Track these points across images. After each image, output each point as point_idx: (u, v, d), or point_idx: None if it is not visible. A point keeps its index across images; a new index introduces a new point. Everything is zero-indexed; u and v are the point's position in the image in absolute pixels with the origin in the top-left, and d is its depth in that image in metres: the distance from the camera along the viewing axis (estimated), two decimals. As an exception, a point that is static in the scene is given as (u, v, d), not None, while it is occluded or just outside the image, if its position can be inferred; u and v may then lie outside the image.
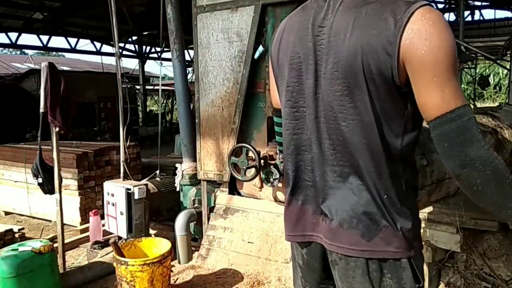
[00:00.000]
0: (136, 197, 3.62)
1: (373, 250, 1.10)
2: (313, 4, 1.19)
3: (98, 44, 14.18)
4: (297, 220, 1.25)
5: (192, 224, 3.88)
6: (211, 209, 3.87)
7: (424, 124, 1.09)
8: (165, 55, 16.11)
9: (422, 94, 1.01)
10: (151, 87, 19.24)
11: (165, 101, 17.53)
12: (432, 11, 1.00)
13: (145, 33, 14.33)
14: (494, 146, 2.06)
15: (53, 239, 3.99)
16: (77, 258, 4.00)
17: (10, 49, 21.69)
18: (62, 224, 3.48)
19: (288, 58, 1.20)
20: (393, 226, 1.09)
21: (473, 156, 0.97)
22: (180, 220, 3.63)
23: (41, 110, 3.25)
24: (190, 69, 9.99)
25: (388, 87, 1.03)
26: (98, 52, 14.40)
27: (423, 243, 1.26)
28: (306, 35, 1.16)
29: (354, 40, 1.04)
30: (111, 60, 17.08)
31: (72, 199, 4.92)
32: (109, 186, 3.84)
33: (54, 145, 3.37)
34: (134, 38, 15.17)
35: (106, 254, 3.67)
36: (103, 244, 3.85)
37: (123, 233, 3.70)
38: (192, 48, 4.57)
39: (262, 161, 3.13)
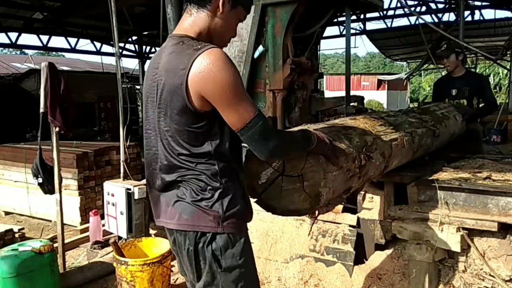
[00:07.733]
0: (136, 197, 3.62)
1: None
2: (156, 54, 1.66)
3: (98, 44, 14.16)
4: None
5: (192, 224, 3.88)
6: (211, 209, 3.86)
7: None
8: (165, 55, 16.07)
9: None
10: (151, 87, 19.20)
11: (165, 101, 17.49)
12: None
13: (145, 33, 14.33)
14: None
15: (53, 239, 3.99)
16: (77, 258, 3.99)
17: (10, 49, 21.71)
18: (62, 224, 3.48)
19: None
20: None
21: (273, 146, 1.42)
22: (180, 220, 3.62)
23: (41, 110, 3.25)
24: (190, 69, 9.97)
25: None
26: (98, 52, 14.39)
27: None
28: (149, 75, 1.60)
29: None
30: (111, 60, 17.09)
31: (72, 199, 4.92)
32: (109, 186, 3.84)
33: (54, 145, 3.37)
34: (134, 38, 15.16)
35: (106, 254, 3.67)
36: (103, 244, 3.85)
37: (123, 233, 3.70)
38: (192, 48, 4.56)
39: (262, 161, 3.13)
